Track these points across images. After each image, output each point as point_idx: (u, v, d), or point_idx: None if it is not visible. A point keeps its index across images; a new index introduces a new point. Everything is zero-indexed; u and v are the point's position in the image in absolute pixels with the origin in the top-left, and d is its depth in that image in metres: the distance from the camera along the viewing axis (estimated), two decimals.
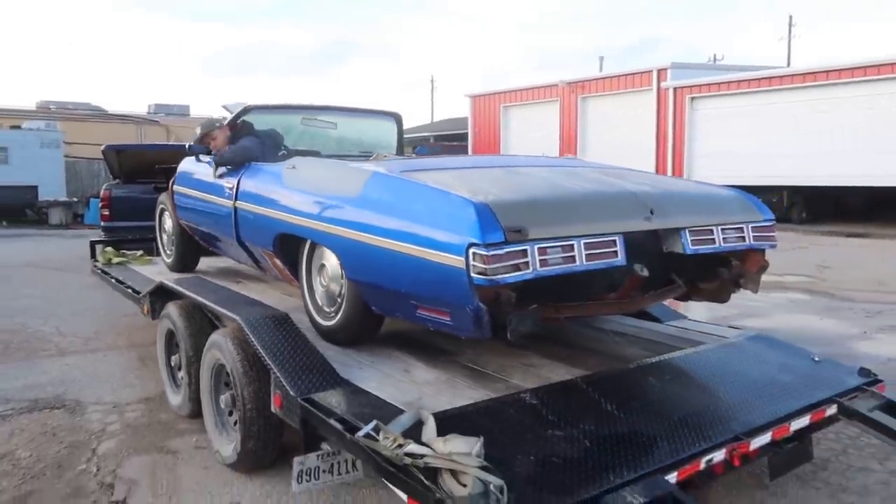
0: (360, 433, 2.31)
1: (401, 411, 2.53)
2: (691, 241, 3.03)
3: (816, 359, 3.49)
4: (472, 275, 2.46)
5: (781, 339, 3.78)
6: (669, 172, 21.62)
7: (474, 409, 2.63)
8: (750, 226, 3.27)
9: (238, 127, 4.83)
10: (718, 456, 2.49)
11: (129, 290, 5.31)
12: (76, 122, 24.94)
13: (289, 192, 3.75)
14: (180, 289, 4.07)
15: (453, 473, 2.06)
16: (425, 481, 2.08)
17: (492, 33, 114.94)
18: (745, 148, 19.56)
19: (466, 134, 29.28)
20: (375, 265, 2.98)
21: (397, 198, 2.98)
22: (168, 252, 5.99)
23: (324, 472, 2.79)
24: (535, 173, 3.37)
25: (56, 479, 3.37)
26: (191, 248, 5.65)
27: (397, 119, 6.15)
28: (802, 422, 2.85)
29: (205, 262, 5.89)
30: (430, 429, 2.31)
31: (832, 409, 2.98)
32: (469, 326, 2.62)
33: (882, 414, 3.02)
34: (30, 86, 75.55)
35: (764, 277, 3.45)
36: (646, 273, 3.07)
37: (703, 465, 2.43)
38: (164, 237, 6.08)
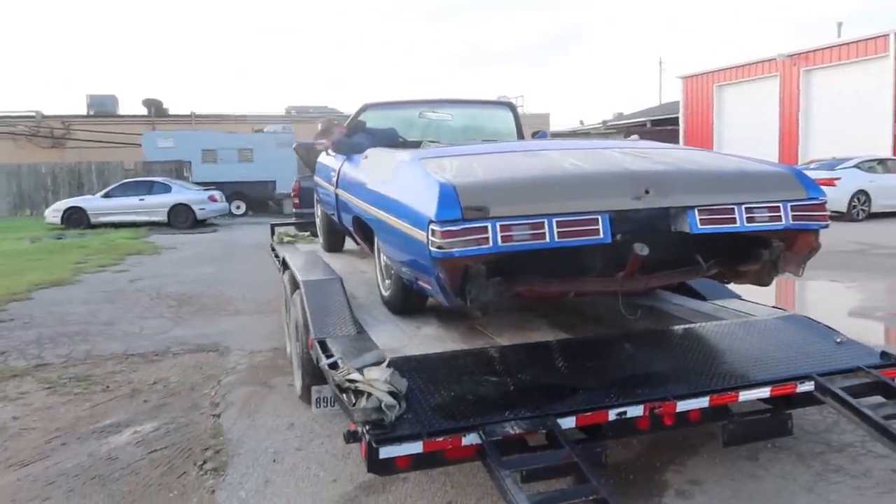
0: (324, 362, 2.99)
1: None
2: (700, 220, 2.99)
3: (839, 340, 3.40)
4: (430, 248, 2.78)
5: (814, 321, 3.67)
6: None
7: (437, 356, 3.14)
8: (789, 204, 3.11)
9: (353, 125, 5.67)
10: (634, 411, 2.72)
11: (279, 263, 6.48)
12: (311, 124, 28.49)
13: (359, 178, 4.46)
14: (287, 258, 5.05)
15: (369, 395, 2.63)
16: (353, 400, 2.67)
17: (725, 10, 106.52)
18: None
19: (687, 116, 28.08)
20: (392, 240, 3.56)
21: (406, 182, 3.53)
22: (320, 234, 7.09)
23: (338, 400, 3.50)
24: (544, 156, 3.63)
25: (185, 398, 4.51)
26: (334, 231, 6.63)
27: (512, 108, 6.64)
28: (757, 393, 2.92)
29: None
30: (381, 365, 2.89)
31: (807, 386, 2.97)
32: (438, 294, 3.08)
33: (872, 398, 2.94)
34: (282, 91, 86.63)
35: None
36: (645, 252, 2.99)
37: (612, 417, 2.69)
38: (318, 221, 7.20)
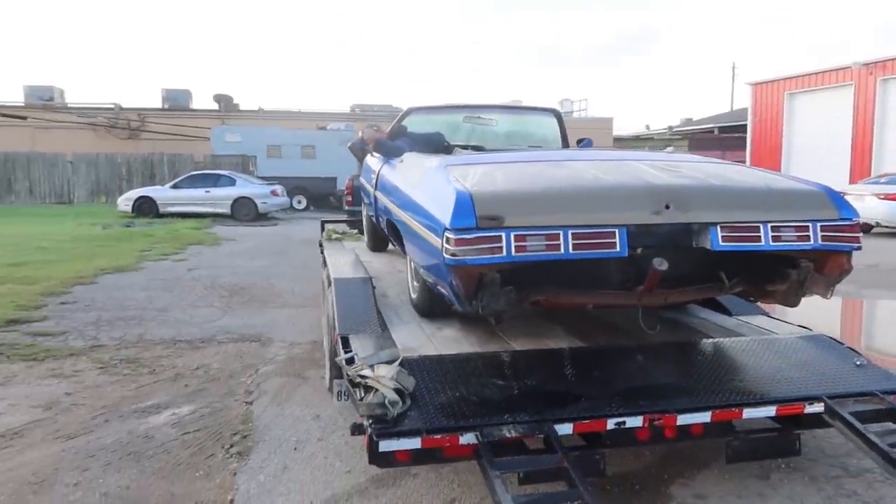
0: (340, 357, 3.14)
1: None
2: (722, 237, 2.94)
3: (858, 363, 3.35)
4: (445, 255, 2.83)
5: (837, 342, 3.61)
6: None
7: (450, 358, 3.25)
8: (818, 224, 3.05)
9: (396, 129, 5.84)
10: (634, 422, 2.77)
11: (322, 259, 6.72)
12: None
13: (394, 181, 4.61)
14: (326, 255, 5.26)
15: (375, 390, 2.78)
16: (363, 394, 2.82)
17: (804, 16, 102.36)
18: None
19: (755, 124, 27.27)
20: (416, 244, 3.68)
21: (430, 187, 3.65)
22: (366, 233, 7.29)
23: (350, 394, 3.66)
24: (568, 167, 3.67)
25: (223, 384, 4.76)
26: (377, 231, 6.82)
27: (557, 115, 6.69)
28: (763, 411, 2.92)
29: None
30: (394, 363, 3.03)
31: (816, 408, 2.95)
32: (453, 300, 3.18)
33: (883, 424, 2.90)
34: (349, 89, 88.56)
35: None
36: (664, 267, 2.93)
37: (610, 426, 2.75)
38: (364, 220, 7.41)
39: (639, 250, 2.98)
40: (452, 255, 2.80)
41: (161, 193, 19.22)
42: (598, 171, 3.39)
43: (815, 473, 3.33)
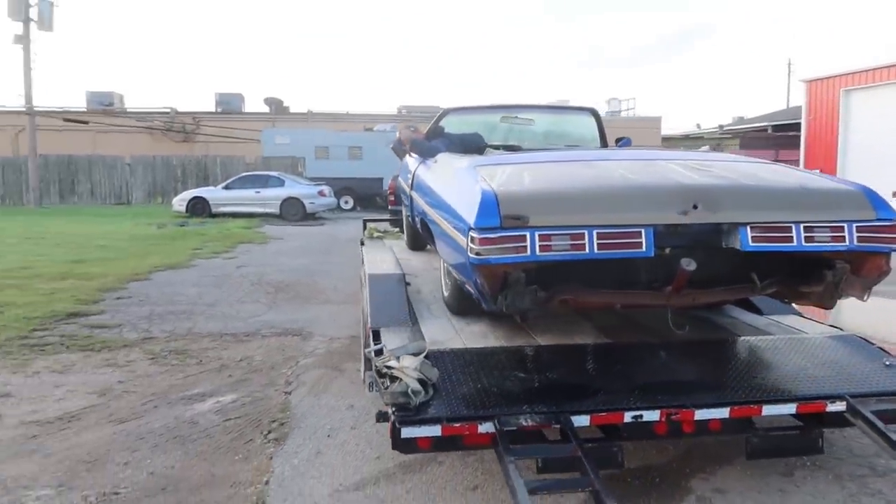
0: (369, 349, 3.29)
1: None
2: (752, 237, 2.90)
3: (888, 363, 3.33)
4: (469, 254, 2.85)
5: (867, 342, 3.59)
6: None
7: (476, 351, 3.37)
8: (854, 225, 2.97)
9: (433, 130, 5.98)
10: (651, 415, 2.83)
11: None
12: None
13: (427, 181, 4.74)
14: (364, 253, 5.43)
15: (401, 380, 2.91)
16: (388, 384, 2.96)
17: (870, 9, 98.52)
18: None
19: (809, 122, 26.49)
20: (445, 243, 3.79)
21: (458, 187, 3.76)
22: (405, 231, 7.45)
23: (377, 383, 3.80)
24: (597, 166, 3.68)
25: (265, 375, 4.98)
26: (414, 229, 6.98)
27: (594, 113, 6.70)
28: (783, 409, 2.95)
29: None
30: (419, 356, 3.17)
31: (838, 406, 2.96)
32: (479, 297, 3.27)
33: None
34: (396, 90, 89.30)
35: None
36: (692, 267, 2.92)
37: (628, 419, 2.82)
38: (404, 219, 7.57)
39: (666, 250, 2.99)
40: (477, 254, 2.85)
41: (213, 194, 19.86)
42: (626, 171, 3.39)
43: (840, 472, 3.33)
